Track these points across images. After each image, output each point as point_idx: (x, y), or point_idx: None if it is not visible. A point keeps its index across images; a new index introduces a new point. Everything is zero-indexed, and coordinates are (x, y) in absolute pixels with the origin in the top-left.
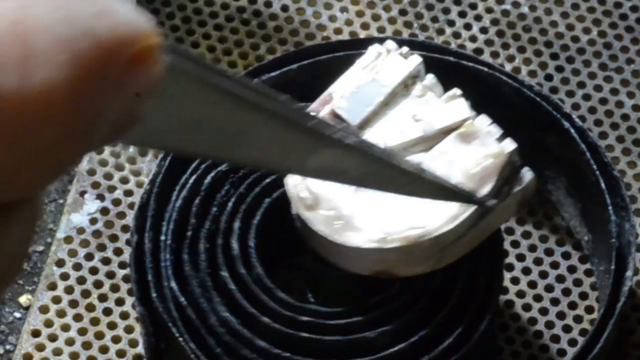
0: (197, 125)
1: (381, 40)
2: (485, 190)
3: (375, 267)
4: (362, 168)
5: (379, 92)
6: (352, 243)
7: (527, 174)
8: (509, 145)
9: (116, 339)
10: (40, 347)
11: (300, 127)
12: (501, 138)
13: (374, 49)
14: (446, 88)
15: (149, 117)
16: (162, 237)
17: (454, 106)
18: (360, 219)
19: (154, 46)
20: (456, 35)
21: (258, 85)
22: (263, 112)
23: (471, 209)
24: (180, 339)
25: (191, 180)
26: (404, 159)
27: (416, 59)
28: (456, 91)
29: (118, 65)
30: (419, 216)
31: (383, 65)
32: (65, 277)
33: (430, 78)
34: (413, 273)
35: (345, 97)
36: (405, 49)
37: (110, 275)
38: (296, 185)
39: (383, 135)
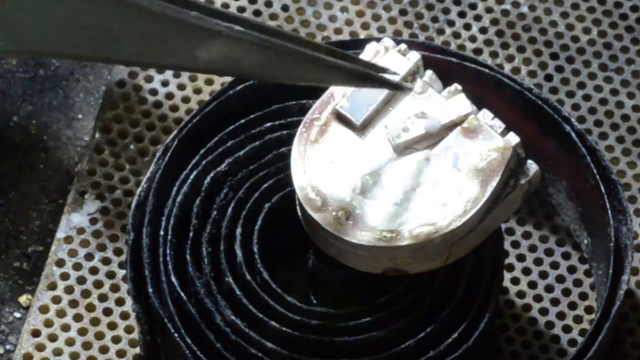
0: (66, 22)
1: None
2: (492, 184)
3: (386, 265)
4: (255, 57)
5: (380, 90)
6: (363, 242)
7: (531, 166)
8: (513, 138)
9: (116, 339)
10: (40, 347)
11: (178, 22)
12: (504, 132)
13: (371, 47)
14: (446, 87)
15: (12, 15)
16: (162, 233)
17: (455, 101)
18: (370, 218)
19: None
20: (456, 35)
21: None
22: (135, 8)
23: (479, 204)
24: (176, 334)
25: (192, 176)
26: (308, 42)
27: (415, 56)
28: (457, 86)
29: None
30: (429, 213)
31: (382, 63)
32: (65, 277)
33: (430, 74)
34: (423, 269)
35: (346, 96)
36: (403, 46)
37: (110, 275)
38: (304, 187)
39: (387, 133)
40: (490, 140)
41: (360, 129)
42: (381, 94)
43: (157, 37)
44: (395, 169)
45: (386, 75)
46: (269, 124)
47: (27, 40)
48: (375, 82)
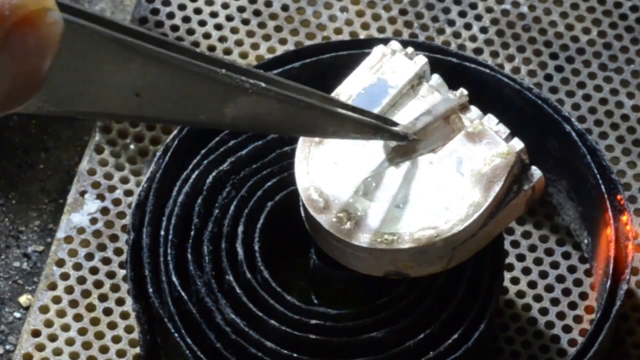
0: (105, 83)
1: (382, 41)
2: (495, 189)
3: (387, 267)
4: (278, 112)
5: (386, 92)
6: (365, 244)
7: (535, 172)
8: (518, 144)
9: (116, 339)
10: (40, 347)
11: (209, 79)
12: (509, 137)
13: (378, 50)
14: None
15: (56, 77)
16: (162, 233)
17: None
18: (372, 221)
19: (42, 9)
20: (456, 35)
21: (161, 38)
22: (169, 65)
23: (482, 209)
24: (176, 334)
25: (193, 176)
26: (325, 97)
27: (421, 60)
28: (462, 91)
29: (2, 30)
30: (431, 217)
31: (389, 66)
32: (65, 277)
33: (436, 78)
34: (424, 273)
35: (352, 98)
36: (410, 49)
37: (111, 275)
38: (307, 188)
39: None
40: (495, 146)
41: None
42: (387, 96)
43: (190, 95)
44: (398, 172)
45: (394, 128)
46: None
47: (67, 102)
48: (386, 134)
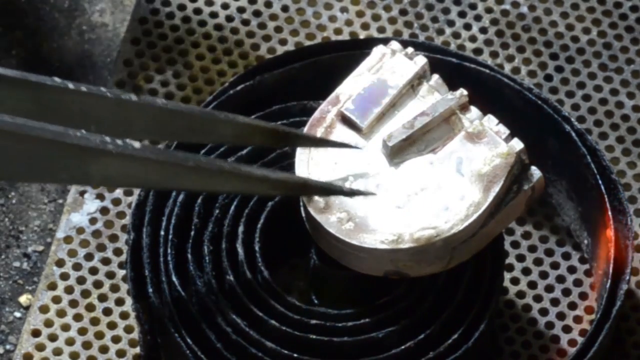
0: None
1: (382, 41)
2: (495, 189)
3: (387, 267)
4: (153, 174)
5: (386, 93)
6: (365, 244)
7: (535, 172)
8: (517, 144)
9: (116, 339)
10: (40, 347)
11: (54, 142)
12: (509, 138)
13: (378, 50)
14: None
15: None
16: (162, 233)
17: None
18: (373, 221)
19: None
20: (456, 35)
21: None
22: (7, 134)
23: (482, 208)
24: (176, 334)
25: None
26: (207, 159)
27: (421, 60)
28: (462, 91)
29: None
30: (431, 217)
31: (389, 67)
32: (65, 277)
33: (436, 78)
34: (424, 273)
35: (352, 99)
36: (410, 49)
37: (110, 275)
38: None
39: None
40: (494, 146)
41: (365, 131)
42: (387, 97)
43: (37, 157)
44: (398, 172)
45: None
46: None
47: None
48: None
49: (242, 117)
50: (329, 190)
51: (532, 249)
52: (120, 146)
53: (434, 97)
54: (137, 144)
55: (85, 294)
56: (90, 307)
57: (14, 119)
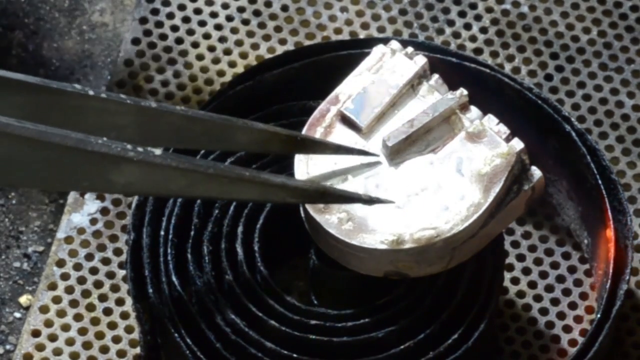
0: None
1: (382, 40)
2: (495, 189)
3: (387, 268)
4: (174, 182)
5: (386, 92)
6: (365, 245)
7: (535, 172)
8: (518, 144)
9: (116, 339)
10: (40, 347)
11: (76, 150)
12: (509, 137)
13: (378, 50)
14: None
15: None
16: (162, 233)
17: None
18: (373, 221)
19: None
20: (456, 35)
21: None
22: (24, 139)
23: (482, 209)
24: (176, 334)
25: None
26: (227, 167)
27: (421, 59)
28: (462, 91)
29: None
30: (431, 217)
31: (389, 66)
32: (65, 277)
33: (436, 78)
34: (424, 273)
35: (352, 98)
36: (410, 49)
37: (111, 275)
38: None
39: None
40: (495, 146)
41: (365, 131)
42: (386, 97)
43: (59, 165)
44: (398, 172)
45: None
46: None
47: None
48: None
49: (260, 123)
50: (347, 198)
51: (532, 248)
52: (142, 153)
53: (434, 96)
54: (158, 151)
55: (86, 294)
56: (90, 307)
57: (36, 126)
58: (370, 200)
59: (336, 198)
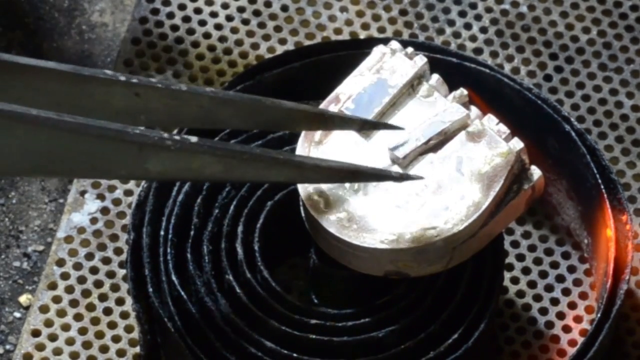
0: (18, 150)
1: (382, 41)
2: (495, 188)
3: (388, 267)
4: (209, 168)
5: (386, 92)
6: (366, 244)
7: (535, 172)
8: (518, 143)
9: (116, 339)
10: (40, 347)
11: (116, 139)
12: (509, 137)
13: (378, 50)
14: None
15: None
16: (162, 233)
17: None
18: (373, 221)
19: None
20: (456, 35)
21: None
22: (64, 130)
23: (482, 208)
24: (176, 334)
25: None
26: (262, 150)
27: (421, 59)
28: (462, 90)
29: None
30: (431, 217)
31: (389, 66)
32: (65, 276)
33: (436, 78)
34: (424, 273)
35: (352, 98)
36: (410, 49)
37: (111, 274)
38: (307, 188)
39: (391, 135)
40: (495, 145)
41: (365, 131)
42: (386, 97)
43: (98, 155)
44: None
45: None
46: None
47: None
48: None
49: (287, 102)
50: (380, 175)
51: (532, 248)
52: (178, 141)
53: (434, 96)
54: (194, 139)
55: (86, 293)
56: (90, 307)
57: (74, 118)
58: (400, 177)
59: (368, 176)
